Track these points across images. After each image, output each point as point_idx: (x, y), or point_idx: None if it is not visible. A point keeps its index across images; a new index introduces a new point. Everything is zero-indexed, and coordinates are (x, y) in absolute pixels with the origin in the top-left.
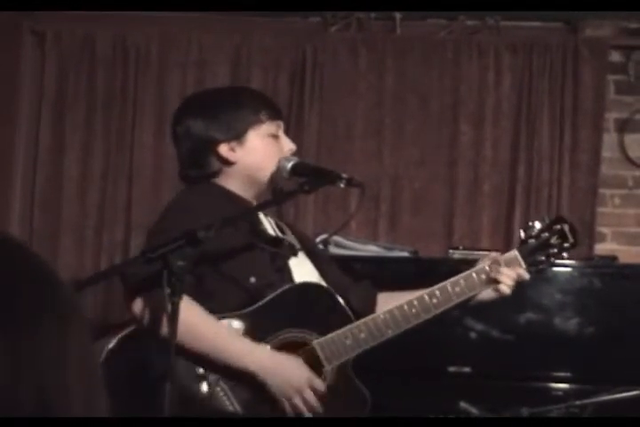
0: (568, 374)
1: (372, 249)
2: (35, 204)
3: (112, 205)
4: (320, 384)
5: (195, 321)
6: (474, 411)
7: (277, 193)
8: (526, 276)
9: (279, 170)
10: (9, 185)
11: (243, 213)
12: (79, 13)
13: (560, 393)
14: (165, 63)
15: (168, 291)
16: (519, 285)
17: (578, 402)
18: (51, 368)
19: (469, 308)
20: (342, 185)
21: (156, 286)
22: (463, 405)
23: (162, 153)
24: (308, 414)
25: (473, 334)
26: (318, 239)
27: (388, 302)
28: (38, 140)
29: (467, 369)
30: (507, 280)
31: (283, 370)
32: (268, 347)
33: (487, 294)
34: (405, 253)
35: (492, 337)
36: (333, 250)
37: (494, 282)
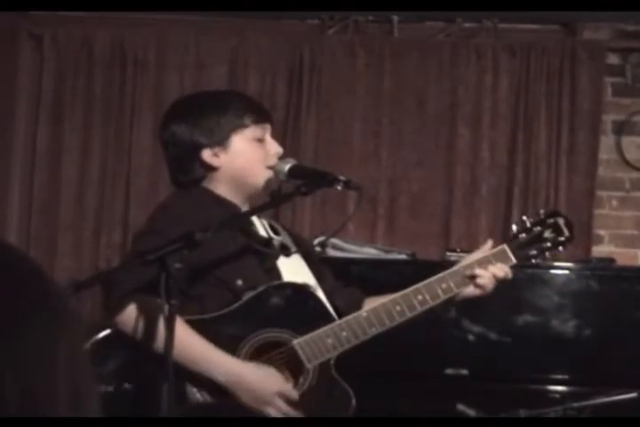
0: (565, 377)
1: (369, 251)
2: (33, 206)
3: (110, 207)
4: (292, 393)
5: (161, 320)
6: (471, 413)
7: (275, 195)
8: (509, 275)
9: (276, 172)
10: (7, 187)
11: (239, 215)
12: (77, 16)
13: (557, 395)
14: (163, 65)
15: (165, 294)
16: (517, 287)
17: (575, 404)
18: (37, 369)
19: (467, 310)
20: (340, 187)
21: (149, 291)
22: (460, 407)
23: (159, 155)
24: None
25: (470, 337)
26: (316, 242)
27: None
28: (36, 142)
29: (464, 371)
30: (490, 277)
31: (249, 384)
32: (238, 359)
33: (470, 290)
34: (403, 256)
35: (489, 339)
36: (331, 252)
37: (478, 278)
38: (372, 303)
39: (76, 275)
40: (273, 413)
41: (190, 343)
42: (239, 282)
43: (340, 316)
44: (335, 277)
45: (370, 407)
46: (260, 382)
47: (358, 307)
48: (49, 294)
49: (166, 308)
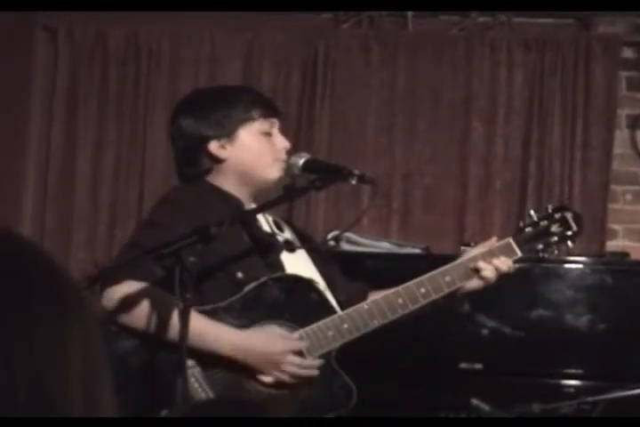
0: (579, 371)
1: (383, 246)
2: (47, 200)
3: (124, 201)
4: (298, 344)
5: (168, 311)
6: (485, 408)
7: (288, 189)
8: (512, 269)
9: (290, 166)
10: (21, 181)
11: (252, 209)
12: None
13: (572, 390)
14: (177, 60)
15: (180, 287)
16: (531, 281)
17: (589, 399)
18: (49, 368)
19: (481, 304)
20: (354, 182)
21: (166, 285)
22: (475, 401)
23: None
24: (307, 373)
25: (484, 331)
26: (330, 236)
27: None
28: (50, 136)
29: (478, 366)
30: (492, 270)
31: (255, 349)
32: (237, 329)
33: (473, 283)
34: (417, 250)
35: (503, 334)
36: (345, 246)
37: (481, 271)
38: (379, 294)
39: (90, 268)
40: (291, 369)
41: (192, 320)
42: (239, 275)
43: (343, 310)
44: (342, 273)
45: (383, 402)
46: (266, 344)
47: (362, 300)
48: (61, 286)
49: (180, 302)
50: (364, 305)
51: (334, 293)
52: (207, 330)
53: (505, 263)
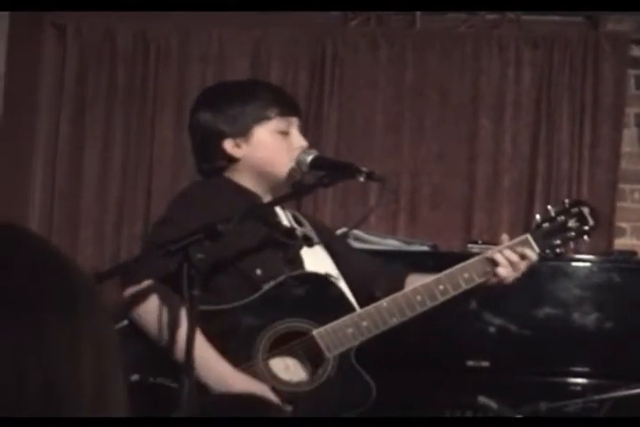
0: (586, 369)
1: (391, 243)
2: (55, 197)
3: (132, 198)
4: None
5: (180, 312)
6: (492, 405)
7: (297, 186)
8: (533, 258)
9: (298, 163)
10: (29, 178)
11: (260, 205)
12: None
13: (578, 388)
14: (185, 57)
15: (187, 284)
16: (538, 279)
17: (596, 397)
18: (60, 367)
19: (488, 302)
20: (362, 179)
21: (175, 281)
22: (482, 399)
23: (181, 147)
24: None
25: (491, 329)
26: (337, 233)
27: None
28: (59, 133)
29: (485, 364)
30: (507, 264)
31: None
32: (235, 369)
33: (493, 280)
34: (425, 248)
35: (510, 332)
36: (353, 244)
37: (498, 267)
38: (414, 281)
39: (97, 265)
40: None
41: (202, 351)
42: (258, 272)
43: (379, 299)
44: (375, 260)
45: (390, 400)
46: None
47: (399, 288)
48: (72, 282)
49: (188, 298)
50: (384, 303)
51: (358, 285)
52: (201, 358)
53: (525, 258)
